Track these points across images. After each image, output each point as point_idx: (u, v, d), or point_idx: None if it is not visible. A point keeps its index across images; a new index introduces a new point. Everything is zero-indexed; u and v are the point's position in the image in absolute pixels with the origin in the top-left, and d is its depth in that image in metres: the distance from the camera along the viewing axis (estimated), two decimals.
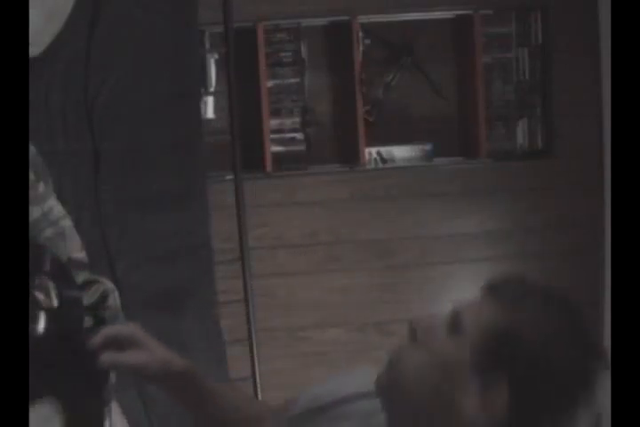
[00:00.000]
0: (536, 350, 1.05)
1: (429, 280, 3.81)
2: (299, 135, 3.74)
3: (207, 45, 3.60)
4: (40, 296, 1.99)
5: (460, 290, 3.83)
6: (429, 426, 1.05)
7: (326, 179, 3.74)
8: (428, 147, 3.77)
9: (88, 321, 2.26)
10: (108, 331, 1.34)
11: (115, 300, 2.37)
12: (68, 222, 2.31)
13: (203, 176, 2.92)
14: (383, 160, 3.75)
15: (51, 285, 2.00)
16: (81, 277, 2.28)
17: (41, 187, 2.20)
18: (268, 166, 3.65)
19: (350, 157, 3.73)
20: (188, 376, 1.28)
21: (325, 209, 3.73)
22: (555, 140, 3.79)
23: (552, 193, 3.82)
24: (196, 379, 1.29)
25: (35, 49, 2.37)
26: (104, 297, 2.33)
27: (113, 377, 1.56)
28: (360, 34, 3.66)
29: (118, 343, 1.28)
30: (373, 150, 3.74)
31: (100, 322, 2.29)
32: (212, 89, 3.59)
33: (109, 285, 2.39)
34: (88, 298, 2.27)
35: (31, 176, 2.20)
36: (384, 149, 3.75)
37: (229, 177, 3.15)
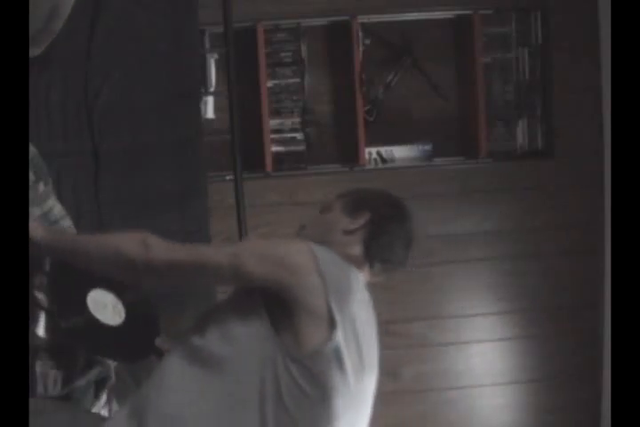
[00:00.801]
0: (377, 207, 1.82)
1: (429, 280, 3.81)
2: (299, 135, 3.74)
3: (207, 45, 3.60)
4: (40, 296, 1.99)
5: (460, 290, 3.84)
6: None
7: (326, 179, 3.74)
8: (427, 147, 3.77)
9: None
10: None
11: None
12: (67, 222, 2.31)
13: (203, 176, 2.91)
14: (383, 160, 3.75)
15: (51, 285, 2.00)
16: None
17: (41, 187, 2.20)
18: (268, 166, 3.65)
19: (350, 157, 3.73)
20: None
21: None
22: (555, 140, 3.79)
23: (552, 193, 3.82)
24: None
25: (35, 49, 2.37)
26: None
27: None
28: (360, 34, 3.66)
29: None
30: (373, 150, 3.74)
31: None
32: (212, 89, 3.59)
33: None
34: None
35: (31, 176, 2.20)
36: (384, 149, 3.75)
37: (229, 177, 3.15)
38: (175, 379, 1.58)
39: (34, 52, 2.37)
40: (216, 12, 3.00)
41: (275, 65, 3.69)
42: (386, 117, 3.77)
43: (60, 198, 2.40)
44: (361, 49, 3.68)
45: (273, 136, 3.69)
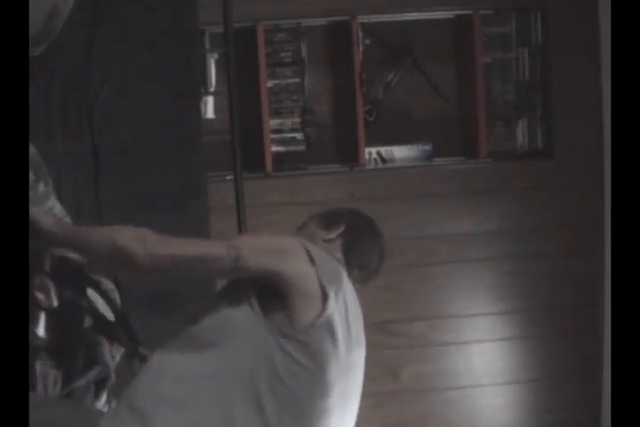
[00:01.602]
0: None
1: (429, 280, 3.80)
2: (299, 135, 3.74)
3: (207, 45, 3.60)
4: (40, 296, 1.99)
5: (460, 290, 3.84)
6: None
7: (326, 179, 3.74)
8: (427, 147, 3.77)
9: (88, 321, 2.26)
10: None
11: (115, 300, 2.37)
12: (67, 222, 2.31)
13: (203, 176, 2.92)
14: (383, 160, 3.75)
15: (51, 285, 2.00)
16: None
17: (41, 187, 2.20)
18: (268, 166, 3.65)
19: (350, 157, 3.73)
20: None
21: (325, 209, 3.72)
22: (555, 140, 3.79)
23: (552, 193, 3.82)
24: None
25: (35, 49, 2.37)
26: (104, 297, 2.33)
27: None
28: (360, 34, 3.66)
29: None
30: (373, 150, 3.74)
31: (100, 322, 2.29)
32: (212, 89, 3.58)
33: (109, 285, 2.39)
34: (88, 298, 2.27)
35: (31, 176, 2.20)
36: (384, 149, 3.75)
37: (229, 177, 3.15)
38: (172, 367, 1.66)
39: (34, 52, 2.37)
40: (216, 12, 3.00)
41: (275, 65, 3.69)
42: (386, 117, 3.77)
43: (60, 198, 2.40)
44: (361, 49, 3.68)
45: (273, 136, 3.69)
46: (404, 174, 3.77)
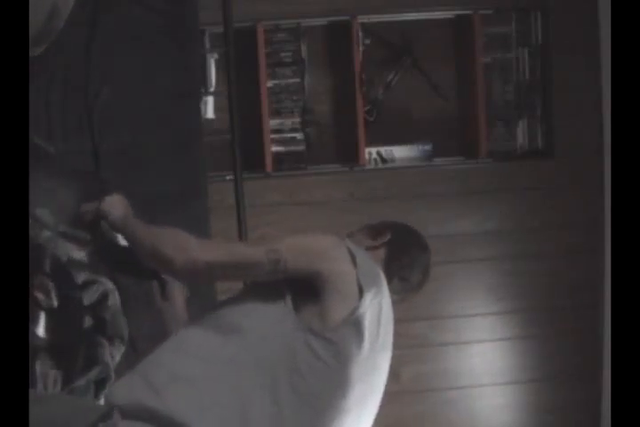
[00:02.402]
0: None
1: (429, 280, 3.80)
2: (299, 135, 3.74)
3: (207, 45, 3.60)
4: (40, 296, 1.99)
5: (460, 290, 3.84)
6: None
7: (326, 179, 3.74)
8: (427, 147, 3.77)
9: (88, 321, 2.26)
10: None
11: (115, 300, 2.38)
12: None
13: (203, 176, 2.91)
14: (383, 160, 3.75)
15: (51, 285, 2.01)
16: (81, 277, 2.28)
17: None
18: (268, 166, 3.65)
19: (350, 157, 3.73)
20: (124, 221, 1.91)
21: (325, 209, 3.72)
22: (555, 140, 3.79)
23: (552, 193, 3.82)
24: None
25: (35, 49, 2.37)
26: (104, 297, 2.33)
27: None
28: (360, 34, 3.66)
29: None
30: (373, 150, 3.74)
31: (99, 322, 2.30)
32: (212, 89, 3.58)
33: (109, 285, 2.39)
34: (88, 298, 2.28)
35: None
36: (384, 149, 3.75)
37: (229, 177, 3.15)
38: (193, 344, 1.66)
39: (34, 52, 2.37)
40: (216, 12, 3.00)
41: (275, 65, 3.69)
42: (386, 117, 3.77)
43: None
44: (361, 49, 3.68)
45: (273, 136, 3.69)
46: (404, 174, 3.77)
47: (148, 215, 2.78)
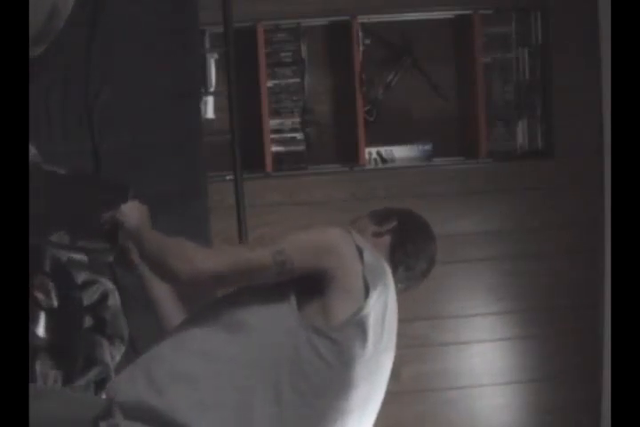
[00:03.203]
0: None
1: (429, 280, 3.79)
2: (299, 135, 3.73)
3: (207, 45, 3.60)
4: (40, 296, 1.99)
5: (460, 290, 3.84)
6: None
7: (326, 179, 3.74)
8: (427, 147, 3.77)
9: (88, 321, 2.26)
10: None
11: (115, 300, 2.38)
12: None
13: (203, 176, 2.91)
14: (383, 160, 3.75)
15: (51, 285, 2.01)
16: (81, 277, 2.28)
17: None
18: (268, 166, 3.65)
19: (350, 157, 3.73)
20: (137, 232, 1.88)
21: (325, 209, 3.72)
22: (555, 140, 3.79)
23: (552, 193, 3.82)
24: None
25: (35, 49, 2.37)
26: (104, 297, 2.33)
27: None
28: (360, 34, 3.66)
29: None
30: (373, 150, 3.74)
31: (99, 322, 2.30)
32: (212, 89, 3.58)
33: (109, 285, 2.39)
34: (88, 298, 2.28)
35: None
36: (384, 149, 3.75)
37: (229, 177, 3.14)
38: (195, 341, 1.65)
39: (34, 52, 2.37)
40: (216, 12, 3.00)
41: (275, 65, 3.69)
42: (386, 117, 3.77)
43: None
44: (361, 49, 3.68)
45: (273, 136, 3.69)
46: (404, 174, 3.77)
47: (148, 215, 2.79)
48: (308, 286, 1.63)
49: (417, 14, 3.74)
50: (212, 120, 3.59)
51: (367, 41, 3.70)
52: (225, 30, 3.03)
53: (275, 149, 3.70)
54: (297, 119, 3.73)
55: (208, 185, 2.94)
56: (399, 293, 1.79)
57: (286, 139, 3.73)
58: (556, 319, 3.85)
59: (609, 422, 3.75)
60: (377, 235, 1.85)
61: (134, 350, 2.47)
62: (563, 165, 3.80)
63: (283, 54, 3.70)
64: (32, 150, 2.20)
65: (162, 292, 2.03)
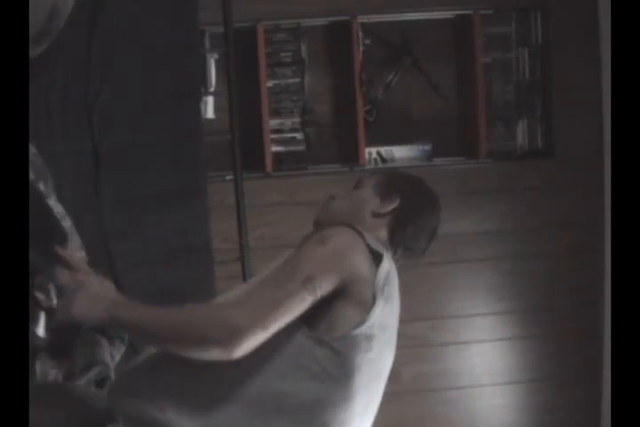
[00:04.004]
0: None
1: (429, 280, 3.80)
2: (299, 135, 3.73)
3: (207, 45, 3.60)
4: (40, 296, 1.99)
5: (460, 290, 3.84)
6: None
7: (326, 179, 3.74)
8: (427, 147, 3.77)
9: None
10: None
11: None
12: (67, 223, 2.31)
13: (203, 176, 2.91)
14: (383, 160, 3.75)
15: (51, 285, 2.01)
16: None
17: (41, 187, 2.20)
18: (268, 166, 3.65)
19: (350, 157, 3.73)
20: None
21: None
22: (555, 140, 3.79)
23: (552, 193, 3.82)
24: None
25: (35, 49, 2.37)
26: None
27: None
28: (360, 34, 3.66)
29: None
30: (373, 150, 3.74)
31: None
32: (212, 89, 3.58)
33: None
34: None
35: (31, 176, 2.20)
36: (384, 149, 3.75)
37: (229, 177, 3.15)
38: None
39: (34, 52, 2.37)
40: (216, 12, 3.00)
41: (275, 65, 3.69)
42: (386, 117, 3.77)
43: (60, 198, 2.40)
44: (361, 49, 3.68)
45: (273, 136, 3.69)
46: None
47: (149, 215, 2.79)
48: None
49: (417, 14, 3.73)
50: (212, 120, 3.59)
51: (367, 41, 3.70)
52: (225, 30, 3.03)
53: (275, 149, 3.70)
54: (297, 119, 3.73)
55: (208, 185, 2.94)
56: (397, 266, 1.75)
57: (286, 139, 3.73)
58: (556, 319, 3.85)
59: (609, 422, 3.75)
60: (377, 216, 1.80)
61: (134, 350, 2.47)
62: (563, 165, 3.80)
63: (283, 54, 3.70)
64: (32, 150, 2.20)
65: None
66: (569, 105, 3.78)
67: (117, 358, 2.30)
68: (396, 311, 1.73)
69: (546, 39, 3.77)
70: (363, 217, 1.79)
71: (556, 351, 3.87)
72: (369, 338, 1.58)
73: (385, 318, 1.62)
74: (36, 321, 1.97)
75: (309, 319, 1.56)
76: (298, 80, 3.71)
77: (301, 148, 3.74)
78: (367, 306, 1.57)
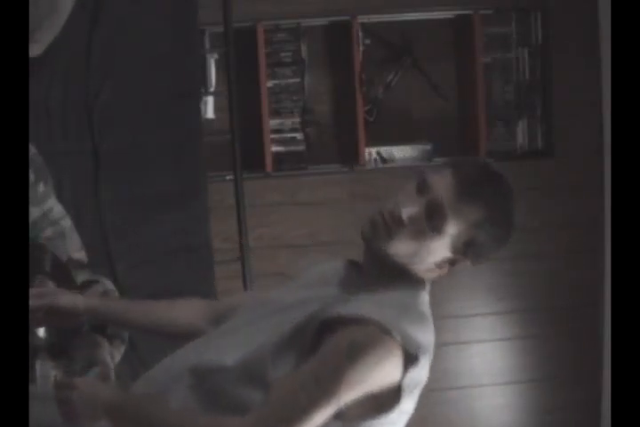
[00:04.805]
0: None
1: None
2: (299, 135, 3.73)
3: (207, 45, 3.60)
4: None
5: (460, 290, 3.83)
6: None
7: (326, 179, 3.74)
8: (427, 147, 3.77)
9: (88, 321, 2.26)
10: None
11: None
12: (67, 222, 2.31)
13: (203, 176, 2.92)
14: (383, 160, 3.75)
15: (51, 285, 2.00)
16: (81, 277, 2.28)
17: (41, 187, 2.20)
18: (268, 166, 3.65)
19: (350, 157, 3.73)
20: None
21: (325, 209, 3.72)
22: (555, 140, 3.79)
23: (552, 193, 3.82)
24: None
25: (35, 49, 2.37)
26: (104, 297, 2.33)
27: None
28: (360, 34, 3.66)
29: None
30: (373, 150, 3.73)
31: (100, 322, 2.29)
32: (212, 89, 3.58)
33: (109, 285, 2.39)
34: None
35: (31, 176, 2.20)
36: (384, 149, 3.75)
37: (229, 177, 3.15)
38: None
39: (34, 51, 2.37)
40: (216, 12, 3.00)
41: (275, 65, 3.68)
42: (386, 117, 3.77)
43: (60, 198, 2.40)
44: (361, 49, 3.68)
45: (273, 136, 3.69)
46: (404, 174, 3.77)
47: (149, 215, 2.79)
48: None
49: (417, 14, 3.73)
50: (212, 120, 3.59)
51: (367, 41, 3.70)
52: (225, 30, 3.03)
53: (275, 149, 3.70)
54: (297, 119, 3.73)
55: (208, 185, 2.94)
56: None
57: (286, 139, 3.72)
58: (556, 319, 3.85)
59: (609, 422, 3.75)
60: (441, 266, 1.57)
61: (134, 350, 2.47)
62: (563, 165, 3.79)
63: (283, 54, 3.70)
64: (32, 150, 2.20)
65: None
66: (569, 105, 3.78)
67: (117, 358, 2.30)
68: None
69: (546, 39, 3.77)
70: (424, 263, 1.56)
71: (556, 351, 3.87)
72: (393, 422, 1.47)
73: (410, 404, 1.48)
74: None
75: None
76: (298, 80, 3.71)
77: (301, 148, 3.73)
78: (392, 403, 1.43)
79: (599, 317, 3.82)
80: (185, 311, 1.82)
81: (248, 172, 3.31)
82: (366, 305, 1.46)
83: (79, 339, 2.12)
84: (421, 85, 3.79)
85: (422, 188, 1.53)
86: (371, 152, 3.73)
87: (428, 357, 1.46)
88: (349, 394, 1.39)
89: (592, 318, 3.83)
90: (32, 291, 1.70)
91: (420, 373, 1.44)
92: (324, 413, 1.38)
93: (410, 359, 1.41)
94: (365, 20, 3.69)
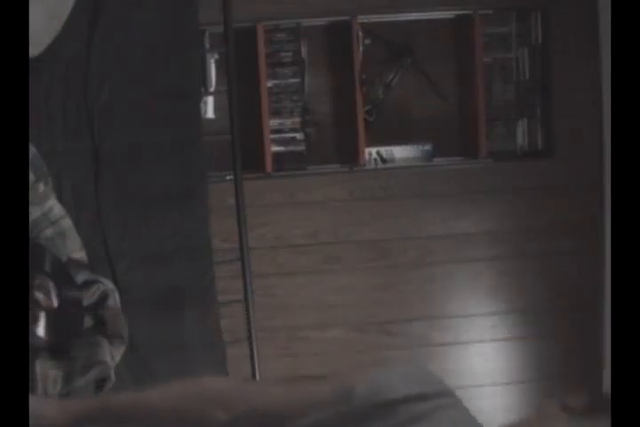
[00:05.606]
0: None
1: (429, 280, 3.81)
2: (299, 135, 3.73)
3: (207, 45, 3.61)
4: (40, 296, 1.99)
5: (460, 290, 3.84)
6: None
7: (326, 179, 3.74)
8: (427, 147, 3.77)
9: (88, 321, 2.26)
10: None
11: (115, 300, 2.38)
12: (67, 222, 2.31)
13: (203, 176, 2.92)
14: (383, 160, 3.75)
15: (51, 285, 2.01)
16: (81, 277, 2.28)
17: (41, 187, 2.21)
18: (268, 166, 3.65)
19: (350, 157, 3.73)
20: None
21: (325, 209, 3.73)
22: (555, 140, 3.79)
23: (552, 193, 3.82)
24: None
25: (35, 49, 2.37)
26: (104, 297, 2.34)
27: None
28: (360, 34, 3.66)
29: None
30: (373, 150, 3.74)
31: (99, 322, 2.30)
32: (212, 89, 3.59)
33: (109, 285, 2.40)
34: (88, 298, 2.28)
35: (31, 176, 2.20)
36: (384, 149, 3.75)
37: (229, 177, 3.15)
38: None
39: (34, 51, 2.38)
40: (216, 12, 3.00)
41: (275, 65, 3.68)
42: (386, 117, 3.77)
43: (60, 198, 2.40)
44: (361, 49, 3.68)
45: (273, 136, 3.69)
46: (404, 174, 3.77)
47: (149, 215, 2.79)
48: None
49: (417, 14, 3.73)
50: (212, 120, 3.59)
51: (367, 41, 3.70)
52: (225, 30, 3.03)
53: (275, 149, 3.70)
54: (297, 119, 3.73)
55: (208, 185, 2.94)
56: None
57: (286, 139, 3.72)
58: (556, 319, 3.85)
59: (609, 421, 3.75)
60: None
61: (134, 350, 2.47)
62: (563, 165, 3.80)
63: (283, 54, 3.70)
64: (32, 150, 2.20)
65: None
66: (569, 105, 3.78)
67: (117, 358, 2.30)
68: None
69: (546, 39, 3.77)
70: None
71: (556, 351, 3.87)
72: None
73: None
74: (35, 321, 1.98)
75: None
76: (298, 80, 3.71)
77: (301, 148, 3.73)
78: None
79: (599, 317, 3.82)
80: None
81: (248, 172, 3.31)
82: None
83: (79, 339, 2.12)
84: (421, 85, 3.79)
85: None
86: (371, 152, 3.73)
87: None
88: None
89: (592, 318, 3.83)
90: None
91: None
92: None
93: None
94: (365, 20, 3.69)
